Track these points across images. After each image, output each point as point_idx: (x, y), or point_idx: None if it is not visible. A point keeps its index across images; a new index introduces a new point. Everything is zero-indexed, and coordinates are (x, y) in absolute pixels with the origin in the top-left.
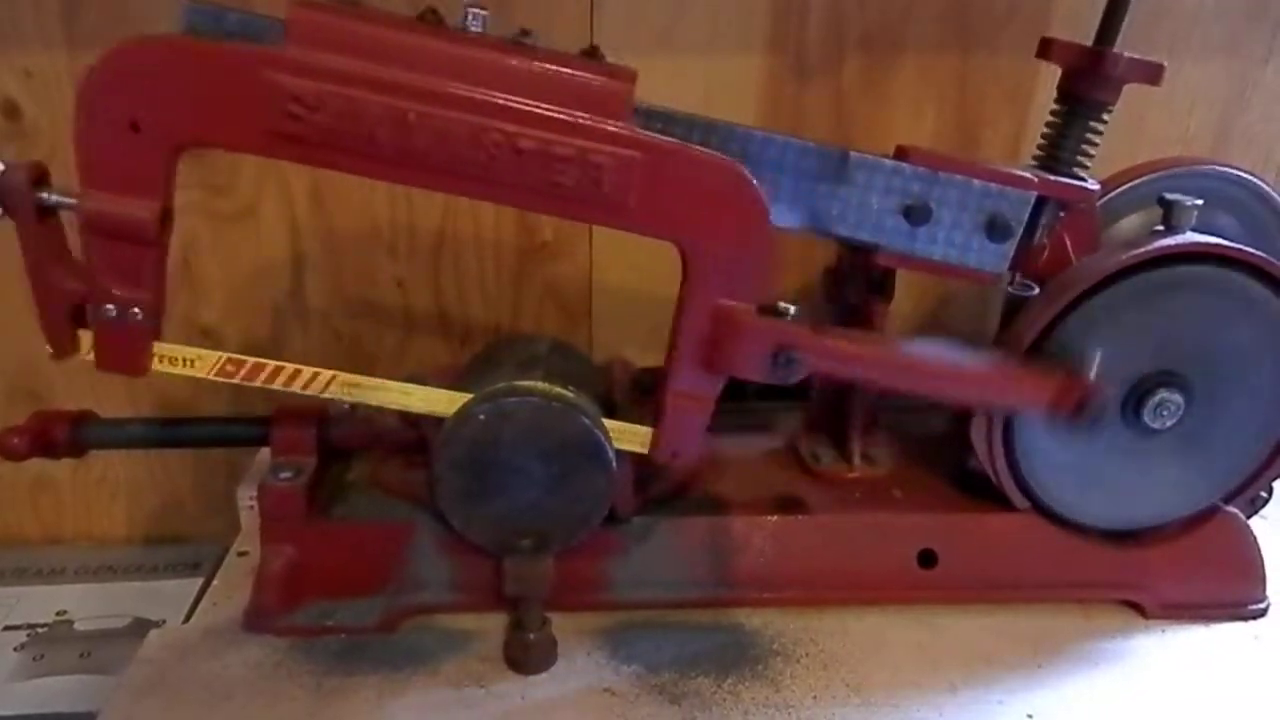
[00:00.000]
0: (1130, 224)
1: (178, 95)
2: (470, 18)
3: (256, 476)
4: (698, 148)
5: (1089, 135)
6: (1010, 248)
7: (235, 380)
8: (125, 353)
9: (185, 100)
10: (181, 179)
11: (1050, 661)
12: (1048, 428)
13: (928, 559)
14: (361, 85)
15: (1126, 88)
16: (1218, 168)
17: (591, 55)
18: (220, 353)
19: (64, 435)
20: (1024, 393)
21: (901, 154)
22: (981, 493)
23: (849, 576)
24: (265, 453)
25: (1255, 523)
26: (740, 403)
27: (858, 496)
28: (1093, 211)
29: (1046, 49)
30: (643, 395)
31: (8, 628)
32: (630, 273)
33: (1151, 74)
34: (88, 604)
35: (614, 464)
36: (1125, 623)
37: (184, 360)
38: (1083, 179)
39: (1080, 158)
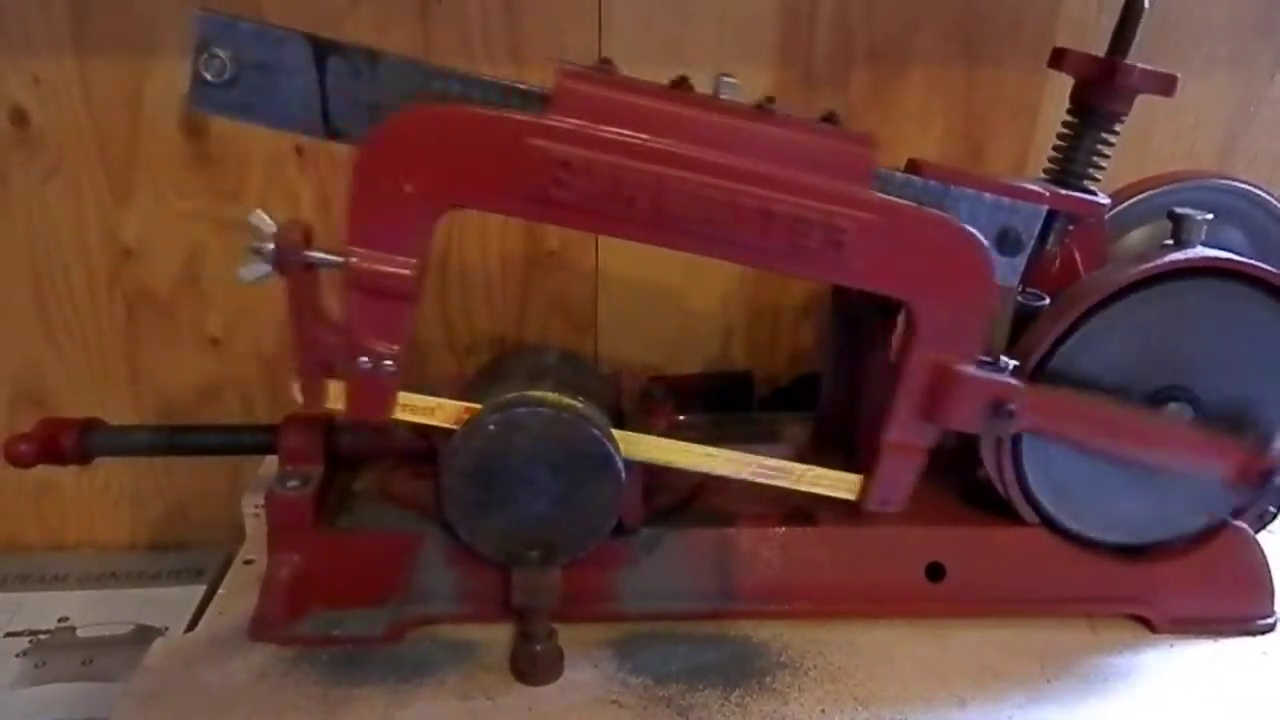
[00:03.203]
0: (1138, 237)
1: (448, 161)
2: (721, 86)
3: (262, 484)
4: (933, 211)
5: (1100, 147)
6: (1021, 261)
7: None
8: (374, 401)
9: (455, 166)
10: (188, 186)
11: (1058, 676)
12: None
13: (936, 572)
14: (622, 153)
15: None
16: (1225, 181)
17: (830, 120)
18: (459, 403)
19: (71, 442)
20: (1215, 462)
21: (913, 167)
22: (990, 506)
23: (857, 589)
24: (270, 460)
25: (1264, 538)
26: (747, 413)
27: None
28: (1102, 225)
29: (1059, 59)
30: (650, 405)
31: (10, 634)
32: (636, 283)
33: (1164, 85)
34: (90, 610)
35: (623, 475)
36: (1134, 637)
37: (425, 409)
38: (1093, 192)
39: (1091, 170)
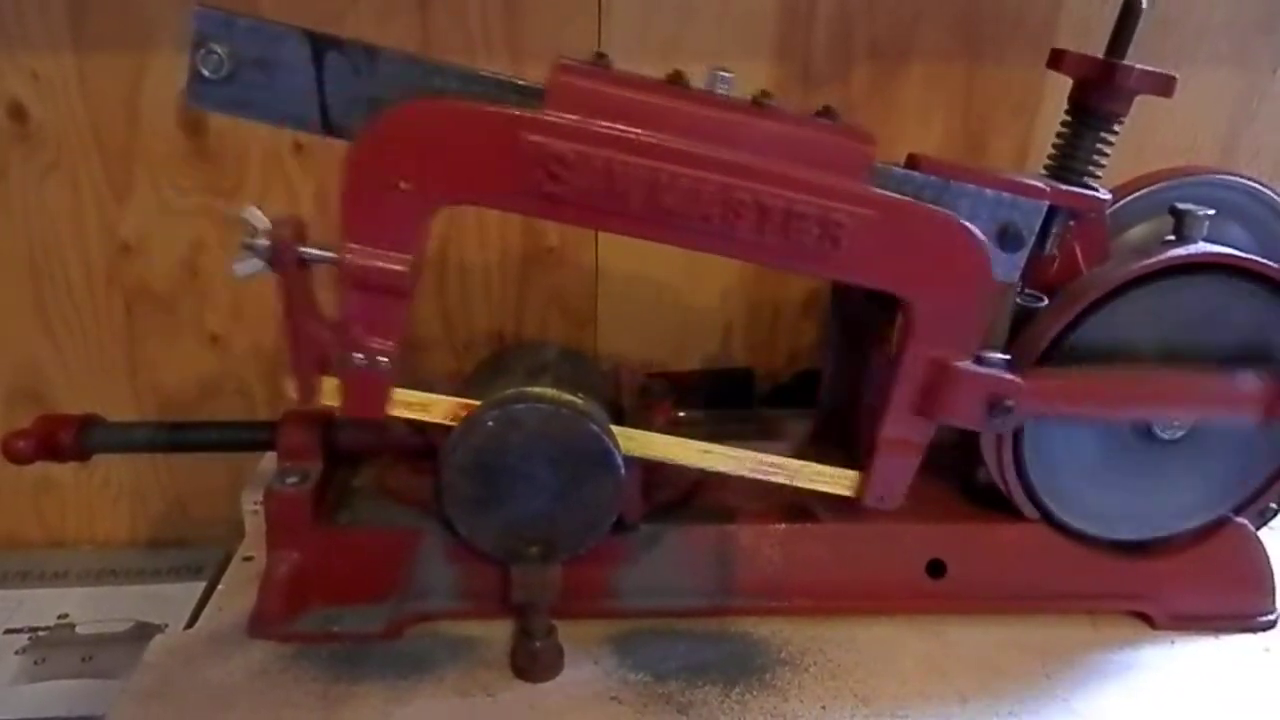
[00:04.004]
0: (1139, 233)
1: (442, 156)
2: (716, 80)
3: (261, 481)
4: (929, 205)
5: (1100, 146)
6: (1022, 257)
7: None
8: (369, 398)
9: (449, 161)
10: (188, 182)
11: (1059, 672)
12: (1060, 433)
13: (937, 569)
14: (618, 148)
15: (1135, 98)
16: (1226, 177)
17: (827, 115)
18: (453, 399)
19: (70, 439)
20: (1240, 404)
21: (913, 162)
22: (991, 503)
23: (857, 586)
24: (270, 456)
25: (1265, 534)
26: (747, 409)
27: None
28: (1103, 221)
29: (1058, 60)
30: (649, 401)
31: (9, 631)
32: (635, 279)
33: (1163, 86)
34: (90, 607)
35: (622, 471)
36: (1134, 634)
37: (419, 405)
38: (1094, 189)
39: (1091, 168)
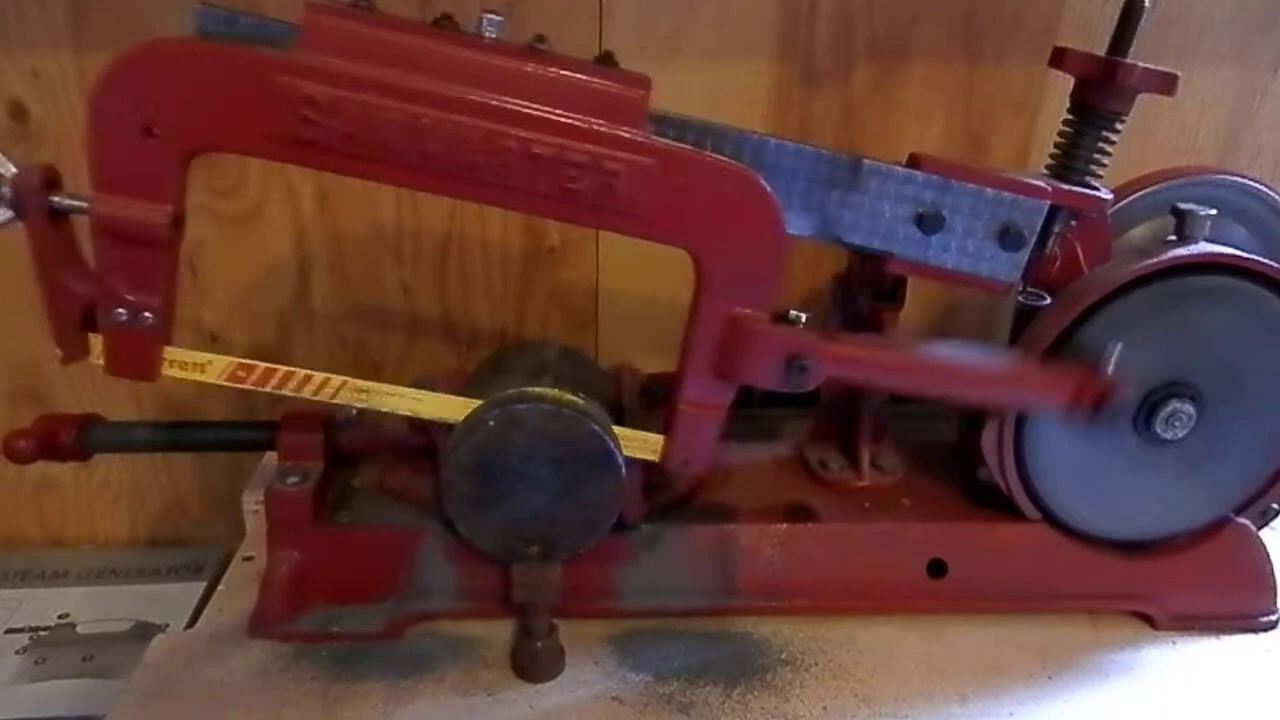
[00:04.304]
0: (1141, 233)
1: (190, 99)
2: (485, 24)
3: (262, 481)
4: (712, 155)
5: (1101, 145)
6: (1023, 257)
7: (245, 386)
8: (136, 357)
9: (197, 104)
10: (188, 181)
11: (1060, 672)
12: (1061, 433)
13: (937, 568)
14: (375, 90)
15: (1137, 97)
16: (1228, 177)
17: (606, 61)
18: (230, 358)
19: (70, 438)
20: (1041, 392)
21: (914, 162)
22: (992, 502)
23: (858, 586)
24: (270, 456)
25: (1266, 534)
26: (747, 410)
27: (867, 505)
28: (1105, 220)
29: (1060, 59)
30: (651, 401)
31: (10, 630)
32: (636, 279)
33: (1165, 84)
34: (90, 607)
35: (623, 471)
36: (1135, 634)
37: (194, 365)
38: (1096, 188)
39: (1093, 167)
